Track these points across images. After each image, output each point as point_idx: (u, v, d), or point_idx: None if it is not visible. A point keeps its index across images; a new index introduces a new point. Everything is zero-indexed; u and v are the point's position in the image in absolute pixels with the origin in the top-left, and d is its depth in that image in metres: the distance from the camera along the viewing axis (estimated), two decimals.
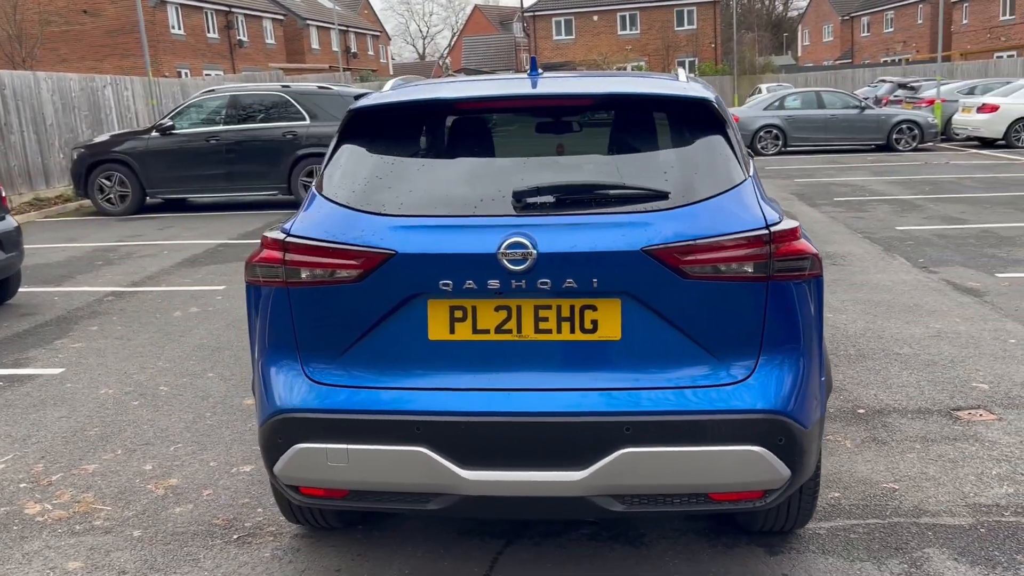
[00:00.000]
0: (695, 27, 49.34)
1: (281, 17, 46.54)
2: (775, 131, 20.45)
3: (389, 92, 2.93)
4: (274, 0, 47.01)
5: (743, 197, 2.56)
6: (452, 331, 2.53)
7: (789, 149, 20.71)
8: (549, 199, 2.52)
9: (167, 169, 13.04)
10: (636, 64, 46.04)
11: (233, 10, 41.21)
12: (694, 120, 2.71)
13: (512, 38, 61.67)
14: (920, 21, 53.95)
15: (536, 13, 51.26)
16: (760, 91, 31.21)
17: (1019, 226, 9.60)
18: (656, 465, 2.43)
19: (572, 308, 2.49)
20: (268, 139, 12.80)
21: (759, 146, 20.39)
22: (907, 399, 4.53)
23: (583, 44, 49.31)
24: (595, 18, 50.15)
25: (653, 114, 2.79)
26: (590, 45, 48.51)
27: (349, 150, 2.78)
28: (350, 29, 54.64)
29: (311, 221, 2.63)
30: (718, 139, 2.68)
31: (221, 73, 37.86)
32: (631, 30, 50.02)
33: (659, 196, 2.51)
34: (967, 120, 20.50)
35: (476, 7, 76.51)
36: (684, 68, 3.38)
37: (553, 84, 2.96)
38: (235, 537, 3.35)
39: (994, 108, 19.74)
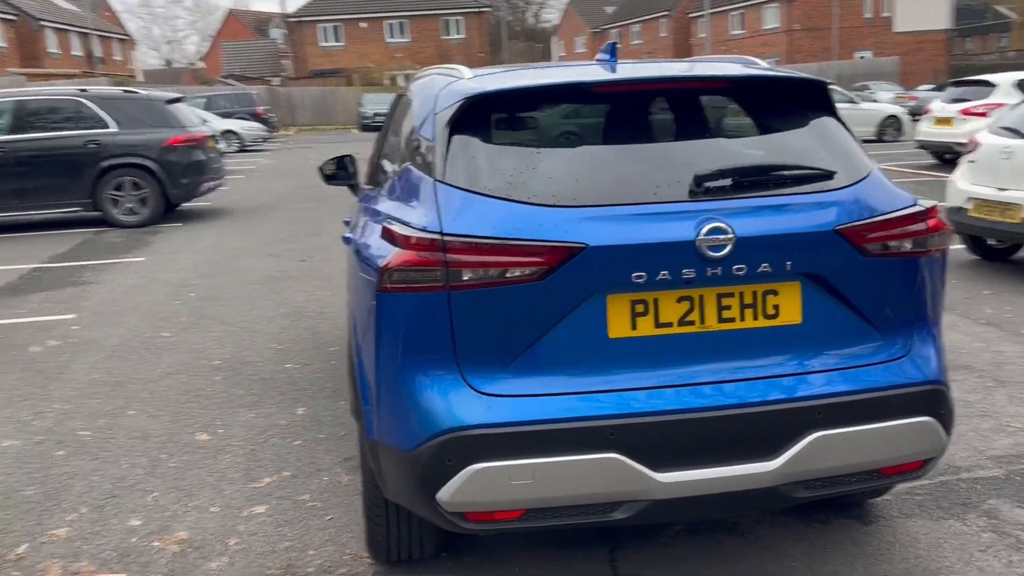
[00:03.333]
0: (463, 36, 50.31)
1: (12, 17, 41.60)
2: None
3: (506, 76, 2.68)
4: None
5: (883, 178, 2.64)
6: (634, 327, 2.38)
7: None
8: (727, 182, 2.44)
9: None
10: (410, 70, 46.10)
11: None
12: (813, 103, 2.74)
13: (276, 43, 59.48)
14: (664, 34, 58.72)
15: (301, 19, 49.85)
16: None
17: None
18: (843, 446, 2.43)
19: (755, 294, 2.43)
20: (67, 149, 11.33)
21: None
22: None
23: (354, 51, 48.64)
24: (363, 25, 49.62)
25: (776, 97, 2.78)
26: (361, 52, 47.97)
27: (478, 140, 2.51)
28: (92, 32, 49.95)
29: (467, 217, 2.35)
30: (837, 122, 2.73)
31: None
32: (400, 38, 50.03)
33: (828, 176, 2.52)
34: None
35: (231, 12, 72.91)
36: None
37: (675, 68, 2.87)
38: None
39: None
